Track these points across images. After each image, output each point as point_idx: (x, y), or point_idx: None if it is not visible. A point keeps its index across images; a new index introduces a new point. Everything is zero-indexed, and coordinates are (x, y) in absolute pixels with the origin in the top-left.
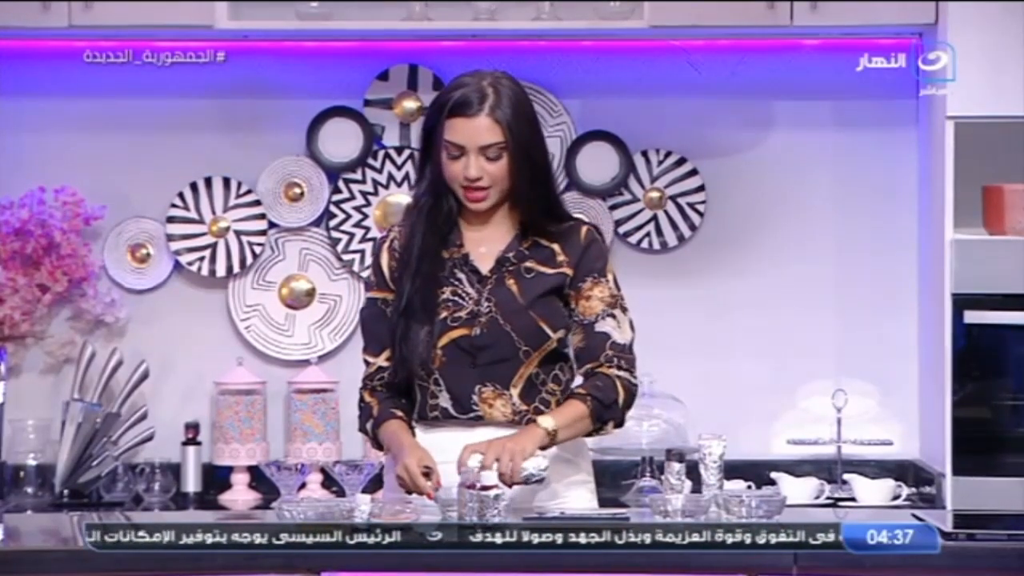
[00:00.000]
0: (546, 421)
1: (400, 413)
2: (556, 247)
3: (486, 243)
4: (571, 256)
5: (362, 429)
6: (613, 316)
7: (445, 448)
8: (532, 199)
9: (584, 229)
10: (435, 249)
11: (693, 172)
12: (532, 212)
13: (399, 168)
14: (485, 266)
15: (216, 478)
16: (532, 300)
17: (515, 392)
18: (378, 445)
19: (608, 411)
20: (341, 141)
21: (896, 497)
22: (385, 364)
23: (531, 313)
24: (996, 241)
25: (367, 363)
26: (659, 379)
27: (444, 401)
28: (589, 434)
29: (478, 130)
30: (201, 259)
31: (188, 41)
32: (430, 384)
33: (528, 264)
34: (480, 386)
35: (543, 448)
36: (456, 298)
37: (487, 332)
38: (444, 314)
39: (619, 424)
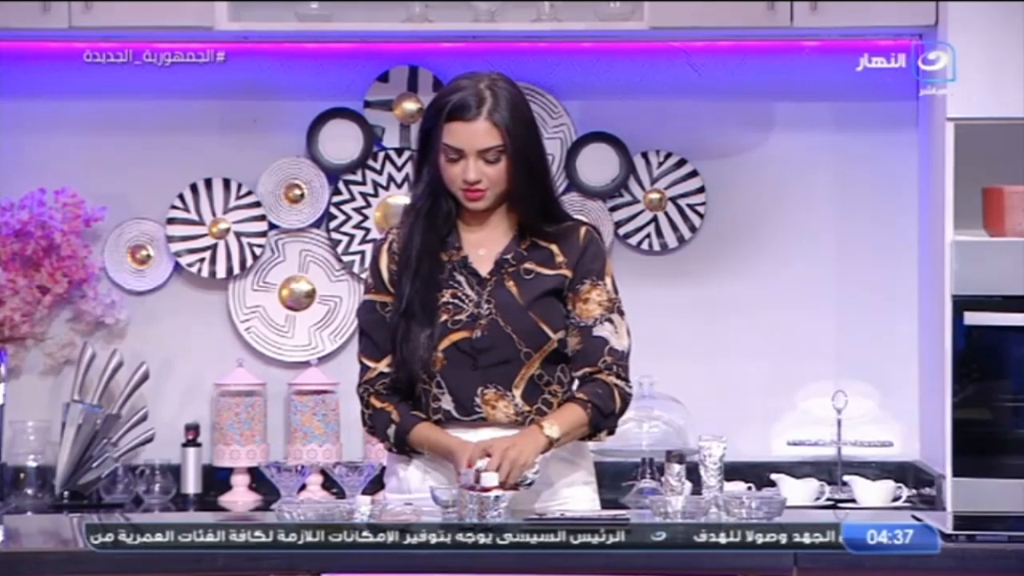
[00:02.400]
0: (551, 429)
1: (423, 416)
2: (554, 248)
3: (484, 245)
4: (569, 257)
5: (381, 435)
6: (611, 320)
7: None
8: (531, 200)
9: (583, 230)
10: (434, 251)
11: (693, 173)
12: (530, 213)
13: (399, 169)
14: (484, 268)
15: (216, 479)
16: (532, 301)
17: (517, 393)
18: (401, 449)
19: (605, 420)
20: (341, 142)
21: (896, 499)
22: (387, 370)
23: (531, 314)
24: (996, 243)
25: (366, 367)
26: (659, 380)
27: (447, 404)
28: (581, 439)
29: (476, 134)
30: (201, 260)
31: (188, 42)
32: (432, 387)
33: (527, 265)
34: (482, 388)
35: (541, 453)
36: (456, 301)
37: (488, 334)
38: (444, 317)
39: (611, 432)
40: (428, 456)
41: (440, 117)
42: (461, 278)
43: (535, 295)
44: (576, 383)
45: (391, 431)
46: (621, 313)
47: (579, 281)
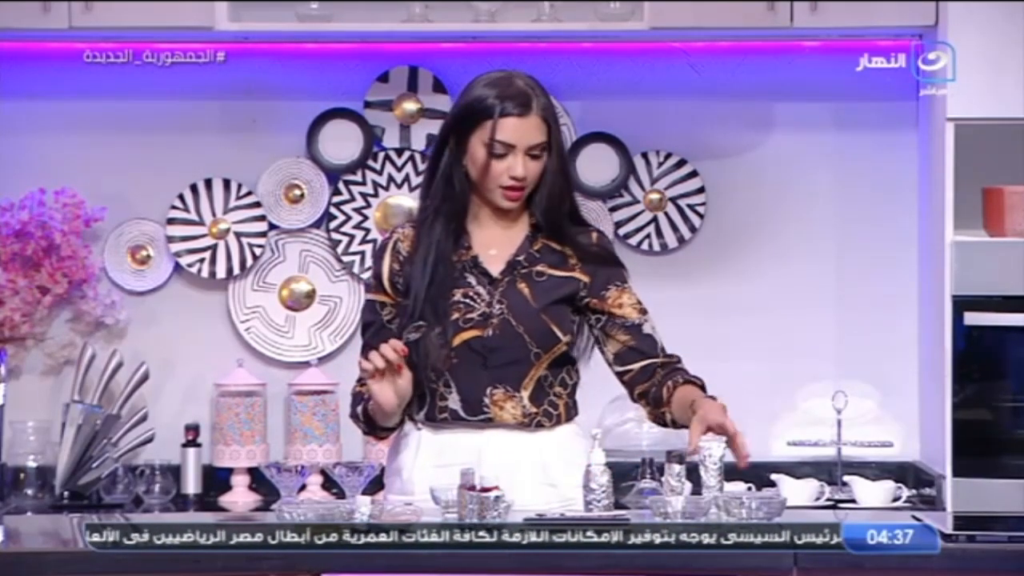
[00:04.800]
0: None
1: None
2: (567, 250)
3: (495, 245)
4: (583, 261)
5: (355, 418)
6: (649, 321)
7: (452, 450)
8: (562, 199)
9: (594, 235)
10: (446, 251)
11: (693, 174)
12: (559, 212)
13: (399, 170)
14: (495, 268)
15: (216, 480)
16: (544, 303)
17: (526, 394)
18: (370, 425)
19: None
20: (341, 143)
21: (896, 499)
22: None
23: (543, 316)
24: (996, 243)
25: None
26: None
27: (454, 403)
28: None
29: (531, 129)
30: (201, 261)
31: (188, 42)
32: (439, 386)
33: (539, 268)
34: (491, 388)
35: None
36: (467, 300)
37: (499, 333)
38: (455, 315)
39: None
40: (434, 455)
41: (489, 115)
42: (471, 278)
43: (547, 297)
44: (635, 374)
45: (360, 408)
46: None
47: (602, 287)
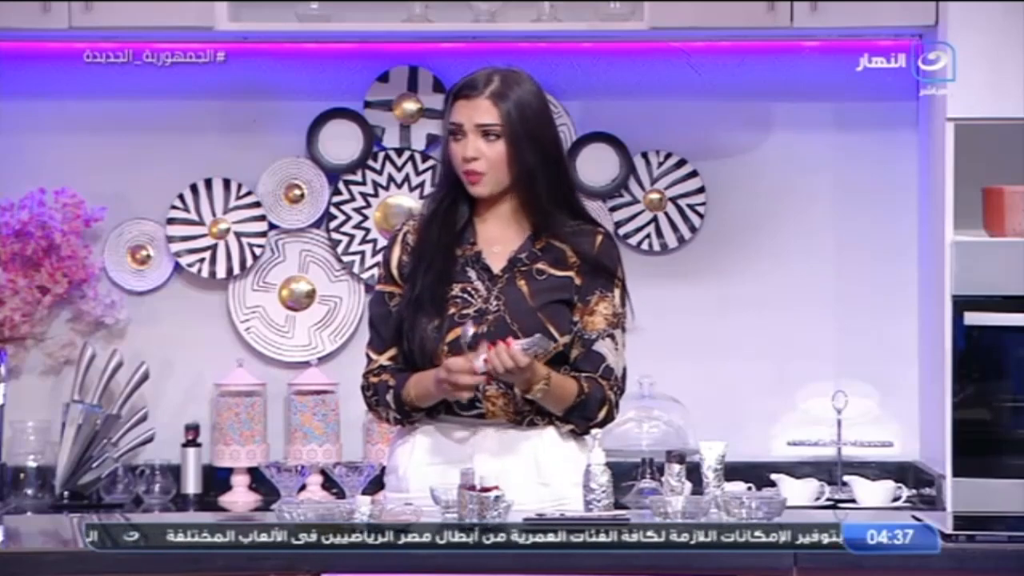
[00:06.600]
0: (549, 375)
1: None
2: (568, 249)
3: (499, 242)
4: (582, 262)
5: (383, 407)
6: (612, 337)
7: (446, 448)
8: (537, 189)
9: (599, 237)
10: (449, 245)
11: (693, 174)
12: (541, 204)
13: (399, 170)
14: (497, 265)
15: (216, 480)
16: (541, 302)
17: (519, 392)
18: (402, 411)
19: (582, 414)
20: (341, 143)
21: (896, 499)
22: (387, 363)
23: (540, 315)
24: (996, 243)
25: (369, 359)
26: (659, 380)
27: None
28: (552, 421)
29: (476, 110)
30: (201, 261)
31: (188, 42)
32: None
33: (539, 266)
34: (485, 384)
35: (526, 391)
36: (465, 295)
37: (494, 331)
38: (452, 310)
39: (580, 433)
40: (432, 430)
41: (451, 99)
42: (472, 273)
43: (545, 297)
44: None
45: (390, 396)
46: (623, 330)
47: (589, 292)
